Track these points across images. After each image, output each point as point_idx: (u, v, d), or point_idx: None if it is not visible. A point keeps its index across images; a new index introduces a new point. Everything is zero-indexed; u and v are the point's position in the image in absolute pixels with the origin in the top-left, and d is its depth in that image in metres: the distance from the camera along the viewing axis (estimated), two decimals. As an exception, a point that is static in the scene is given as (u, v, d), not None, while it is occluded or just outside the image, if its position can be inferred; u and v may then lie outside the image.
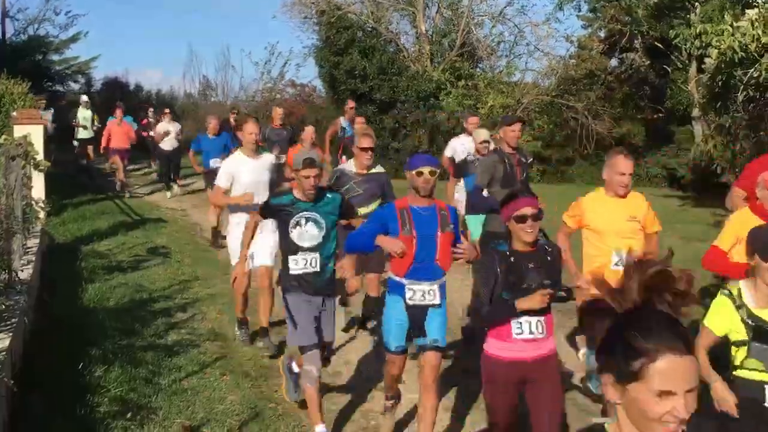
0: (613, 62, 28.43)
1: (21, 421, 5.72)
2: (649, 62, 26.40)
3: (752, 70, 13.32)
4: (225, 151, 13.50)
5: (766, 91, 13.57)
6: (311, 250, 6.35)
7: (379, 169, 8.72)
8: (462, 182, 10.91)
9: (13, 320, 6.51)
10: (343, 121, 16.72)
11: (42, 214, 11.28)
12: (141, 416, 6.10)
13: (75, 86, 34.84)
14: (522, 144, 25.38)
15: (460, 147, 12.32)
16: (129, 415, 6.04)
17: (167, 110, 20.76)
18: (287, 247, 6.40)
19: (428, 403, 5.86)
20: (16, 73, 17.29)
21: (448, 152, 12.63)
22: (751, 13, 13.30)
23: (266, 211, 6.57)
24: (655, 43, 24.95)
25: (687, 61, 23.46)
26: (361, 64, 26.06)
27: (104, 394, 6.45)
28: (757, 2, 13.68)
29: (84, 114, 21.37)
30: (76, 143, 21.45)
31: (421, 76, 26.89)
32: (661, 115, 26.15)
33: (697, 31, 14.00)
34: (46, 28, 33.32)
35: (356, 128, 13.73)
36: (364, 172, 8.44)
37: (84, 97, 22.47)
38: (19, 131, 12.29)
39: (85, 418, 5.93)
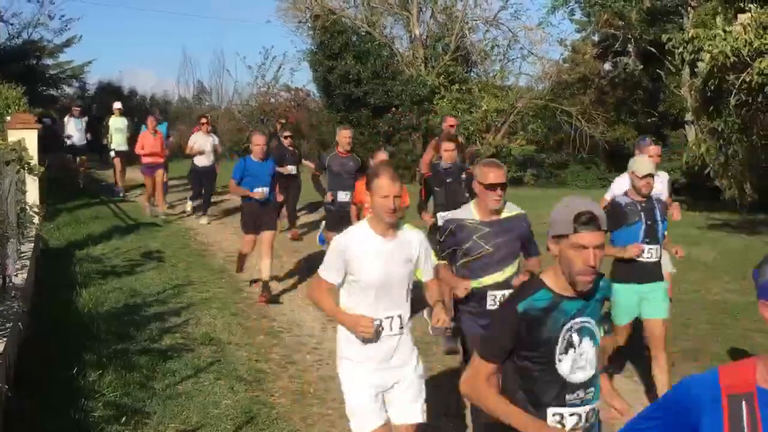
0: (607, 66, 28.57)
1: (15, 425, 5.73)
2: (642, 66, 26.50)
3: (744, 74, 13.39)
4: (272, 177, 11.00)
5: (758, 95, 13.63)
6: (584, 387, 3.58)
7: (512, 209, 5.94)
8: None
9: (8, 325, 6.51)
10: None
11: (36, 219, 11.27)
12: (135, 421, 6.10)
13: (69, 90, 34.86)
14: (516, 148, 25.53)
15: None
16: (123, 419, 6.04)
17: (204, 119, 17.02)
18: (541, 392, 3.54)
19: None
20: (10, 77, 17.31)
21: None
22: (743, 17, 13.37)
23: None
24: (648, 47, 25.04)
25: (680, 66, 23.51)
26: (356, 68, 26.12)
27: (98, 398, 6.45)
28: (750, 7, 13.74)
29: (117, 123, 19.44)
30: (112, 154, 19.50)
31: (415, 81, 26.95)
32: (654, 119, 26.23)
33: (690, 35, 14.07)
34: (40, 33, 33.30)
35: (448, 154, 9.15)
36: (494, 218, 5.82)
37: (117, 104, 20.47)
38: (13, 136, 12.28)
39: (80, 423, 5.93)
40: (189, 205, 17.37)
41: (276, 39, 52.13)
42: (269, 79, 32.75)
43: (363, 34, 27.89)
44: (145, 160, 16.63)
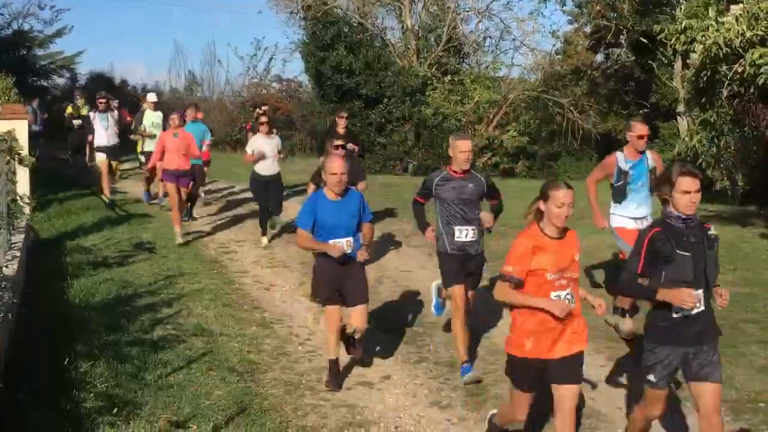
0: (599, 58, 28.59)
1: (7, 416, 5.70)
2: (634, 58, 26.51)
3: (737, 65, 13.37)
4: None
5: (751, 86, 13.61)
6: None
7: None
8: None
9: (-2, 316, 6.49)
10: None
11: (27, 210, 11.23)
12: (127, 412, 6.09)
13: (60, 81, 34.72)
14: (508, 140, 25.45)
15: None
16: (115, 410, 6.03)
17: (263, 115, 15.11)
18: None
19: None
20: (0, 68, 17.19)
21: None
22: (736, 8, 13.35)
23: None
24: (641, 38, 25.04)
25: (672, 57, 23.53)
26: (348, 59, 26.05)
27: (90, 389, 6.44)
28: (742, -2, 13.74)
29: (154, 118, 17.33)
30: (142, 158, 17.64)
31: (408, 72, 26.89)
32: (646, 110, 26.26)
33: (682, 26, 14.04)
34: (31, 23, 33.18)
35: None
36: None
37: (151, 96, 18.35)
38: (2, 126, 12.21)
39: (71, 414, 5.91)
40: (264, 241, 13.40)
41: (267, 30, 52.03)
42: (261, 70, 32.69)
43: (355, 25, 27.80)
44: (167, 166, 13.52)
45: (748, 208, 17.20)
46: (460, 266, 7.82)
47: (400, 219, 15.35)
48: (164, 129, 15.36)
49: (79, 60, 35.01)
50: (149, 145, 16.57)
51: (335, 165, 7.37)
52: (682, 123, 22.75)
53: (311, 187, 11.55)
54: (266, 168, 13.20)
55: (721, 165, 15.35)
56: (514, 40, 28.82)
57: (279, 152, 13.49)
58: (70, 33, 33.96)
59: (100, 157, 17.00)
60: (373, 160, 26.03)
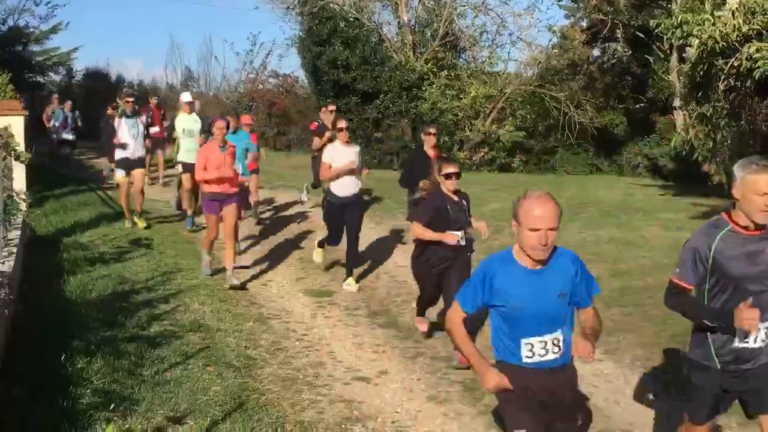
0: (595, 52, 28.54)
1: (4, 412, 5.70)
2: (630, 52, 26.49)
3: (733, 59, 13.38)
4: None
5: (747, 80, 13.62)
6: None
7: None
8: None
9: (-5, 312, 6.48)
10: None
11: (23, 206, 11.21)
12: (124, 407, 6.08)
13: (56, 77, 34.64)
14: (504, 134, 25.51)
15: None
16: (112, 406, 6.02)
17: (340, 120, 12.01)
18: None
19: None
20: (-5, 64, 17.17)
21: None
22: (732, 2, 13.36)
23: None
24: (637, 33, 25.03)
25: (668, 51, 23.55)
26: (344, 54, 26.02)
27: (87, 385, 6.42)
28: (738, -8, 13.73)
29: (188, 123, 14.39)
30: (180, 168, 14.33)
31: (404, 67, 26.88)
32: (642, 104, 26.25)
33: (679, 20, 14.04)
34: (26, 19, 33.07)
35: None
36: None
37: (186, 95, 15.43)
38: (-1, 122, 12.21)
39: (68, 410, 5.90)
40: (351, 282, 10.76)
41: (264, 25, 51.95)
42: (257, 66, 32.65)
43: (351, 20, 27.77)
44: (209, 188, 10.77)
45: (745, 202, 17.21)
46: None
47: (397, 214, 15.35)
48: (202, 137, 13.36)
49: (75, 56, 34.97)
50: (186, 154, 13.96)
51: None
52: (679, 117, 22.73)
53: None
54: (346, 187, 10.55)
55: (718, 159, 15.34)
56: (510, 34, 28.85)
57: (362, 167, 11.05)
58: (65, 29, 33.87)
59: (121, 174, 13.78)
60: (370, 155, 26.04)
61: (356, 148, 11.03)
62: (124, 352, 7.33)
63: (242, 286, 10.42)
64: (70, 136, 22.01)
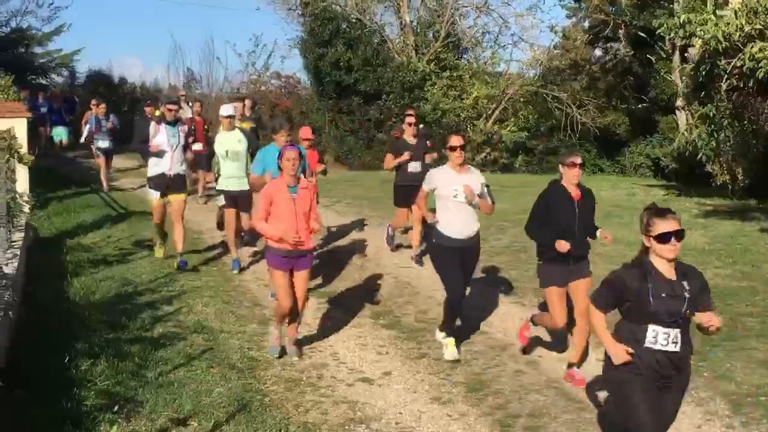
0: (597, 52, 28.55)
1: (8, 414, 5.71)
2: (632, 52, 26.48)
3: (735, 59, 13.38)
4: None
5: (750, 80, 13.62)
6: None
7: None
8: None
9: (-1, 314, 6.49)
10: None
11: (27, 208, 11.22)
12: (127, 409, 6.09)
13: (59, 79, 34.65)
14: (507, 134, 25.50)
15: None
16: (116, 408, 6.03)
17: (459, 148, 8.13)
18: None
19: None
20: (-2, 66, 17.20)
21: None
22: (735, 2, 13.36)
23: None
24: (639, 33, 25.02)
25: (670, 51, 23.54)
26: (346, 55, 26.03)
27: (91, 387, 6.43)
28: (740, -8, 13.73)
29: (231, 143, 11.18)
30: (221, 200, 11.67)
31: (406, 68, 26.89)
32: (644, 104, 26.25)
33: (681, 21, 14.04)
34: (29, 21, 33.11)
35: None
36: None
37: (227, 109, 11.75)
38: (1, 125, 12.22)
39: (72, 412, 5.91)
40: (451, 352, 8.08)
41: (266, 26, 51.94)
42: (259, 67, 32.67)
43: (353, 21, 27.79)
44: (274, 242, 7.95)
45: (748, 202, 17.21)
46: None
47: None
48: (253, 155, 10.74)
49: (77, 58, 34.97)
50: (229, 182, 11.24)
51: None
52: (681, 117, 22.76)
53: None
54: (463, 226, 8.03)
55: (721, 159, 15.34)
56: (512, 35, 28.95)
57: (490, 197, 8.15)
58: (68, 30, 33.94)
59: (155, 196, 11.43)
60: (372, 155, 26.06)
61: (477, 176, 8.21)
62: (127, 353, 7.33)
63: (300, 356, 8.15)
64: (105, 144, 18.74)
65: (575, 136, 26.38)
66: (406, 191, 11.32)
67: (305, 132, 11.16)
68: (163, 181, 11.24)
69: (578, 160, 7.40)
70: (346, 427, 6.50)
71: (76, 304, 9.02)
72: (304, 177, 8.47)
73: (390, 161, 11.82)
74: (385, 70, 26.46)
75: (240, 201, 11.21)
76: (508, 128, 26.73)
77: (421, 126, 12.94)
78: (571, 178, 7.38)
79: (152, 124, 11.34)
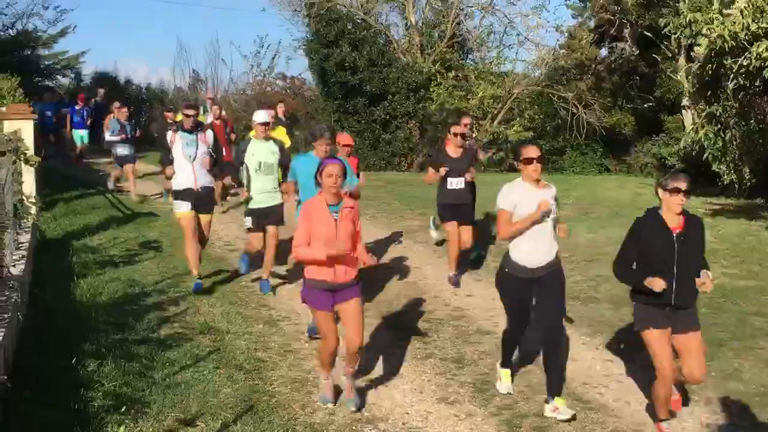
0: (603, 52, 28.48)
1: (15, 416, 5.72)
2: (638, 52, 26.43)
3: (742, 58, 13.34)
4: None
5: (756, 79, 13.59)
6: None
7: None
8: None
9: (6, 316, 6.50)
10: None
11: (33, 210, 11.25)
12: (135, 410, 6.10)
13: (64, 81, 34.72)
14: (512, 135, 25.50)
15: None
16: (123, 409, 6.03)
17: (536, 159, 6.89)
18: None
19: None
20: (4, 68, 17.24)
21: None
22: (741, 1, 13.33)
23: None
24: (645, 32, 24.98)
25: (676, 51, 23.49)
26: (351, 56, 26.02)
27: (98, 388, 6.45)
28: (746, -10, 13.69)
29: (264, 154, 10.06)
30: (248, 222, 10.22)
31: (411, 68, 26.87)
32: (650, 104, 26.20)
33: (687, 20, 14.02)
34: (35, 23, 33.16)
35: None
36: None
37: (261, 115, 10.28)
38: (8, 126, 12.26)
39: (79, 413, 5.92)
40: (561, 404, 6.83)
41: (271, 27, 52.00)
42: (265, 68, 32.69)
43: (358, 21, 27.77)
44: (313, 271, 6.75)
45: (755, 201, 17.19)
46: None
47: (406, 215, 15.35)
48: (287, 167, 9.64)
49: (83, 60, 35.03)
50: (263, 198, 10.16)
51: None
52: (687, 116, 22.70)
53: None
54: (541, 253, 6.82)
55: (727, 158, 15.29)
56: (518, 35, 28.79)
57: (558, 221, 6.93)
58: (73, 33, 33.95)
59: (185, 208, 10.14)
60: (378, 156, 26.06)
61: (552, 191, 6.94)
62: (134, 354, 7.35)
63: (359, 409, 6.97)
64: (126, 151, 17.67)
65: (581, 135, 26.34)
66: (452, 210, 10.60)
67: (345, 138, 9.97)
68: (189, 195, 10.06)
69: (683, 186, 6.21)
70: (353, 428, 6.50)
71: (83, 305, 9.03)
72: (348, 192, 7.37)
73: (428, 175, 10.92)
74: (390, 70, 26.43)
75: (271, 215, 10.18)
76: (514, 128, 26.66)
77: (470, 140, 11.83)
78: (672, 206, 6.21)
79: (169, 133, 10.23)
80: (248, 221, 10.26)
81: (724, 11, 13.39)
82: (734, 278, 10.73)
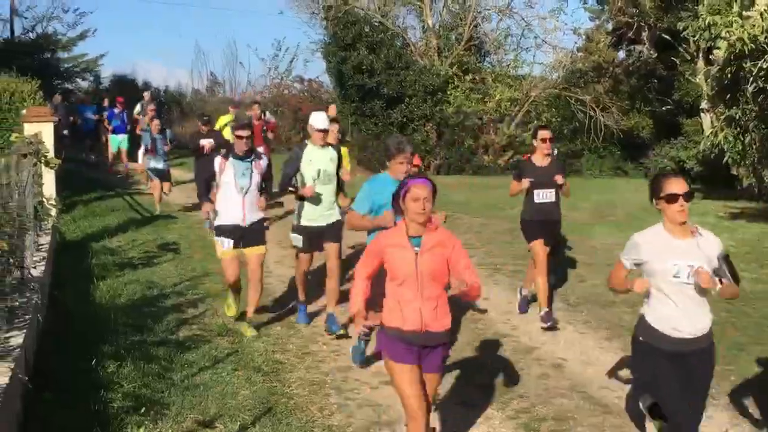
0: (621, 55, 28.43)
1: (35, 417, 5.76)
2: (656, 55, 26.34)
3: (761, 61, 13.28)
4: None
5: (776, 82, 13.53)
6: None
7: None
8: None
9: (27, 317, 6.54)
10: None
11: (53, 212, 11.31)
12: (154, 411, 6.13)
13: (83, 84, 34.98)
14: (530, 138, 25.44)
15: None
16: (142, 410, 6.07)
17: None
18: None
19: None
20: (24, 70, 17.36)
21: None
22: (761, 3, 13.27)
23: None
24: (663, 35, 24.89)
25: (695, 54, 23.39)
26: (369, 59, 26.06)
27: (117, 389, 6.48)
28: (766, -7, 13.63)
29: (322, 162, 8.79)
30: (297, 241, 8.87)
31: (429, 71, 26.88)
32: (669, 107, 26.10)
33: (706, 22, 13.97)
34: (55, 26, 33.46)
35: None
36: None
37: (320, 119, 8.79)
38: (29, 129, 12.35)
39: (99, 414, 5.96)
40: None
41: (288, 30, 52.15)
42: (282, 71, 32.81)
43: (376, 24, 27.81)
44: (392, 318, 5.38)
45: (775, 204, 17.09)
46: None
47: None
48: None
49: (101, 62, 35.30)
50: (317, 214, 8.83)
51: None
52: (706, 120, 22.61)
53: None
54: (688, 320, 5.23)
55: (747, 162, 15.22)
56: (535, 38, 28.83)
57: (729, 274, 5.23)
58: (93, 36, 34.22)
59: (227, 246, 8.60)
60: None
61: (710, 242, 5.26)
62: (153, 356, 7.38)
63: None
64: (160, 165, 15.98)
65: (599, 138, 26.29)
66: (539, 228, 9.30)
67: (415, 160, 8.69)
68: (235, 232, 8.55)
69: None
70: (371, 430, 6.50)
71: (102, 306, 9.08)
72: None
73: (512, 188, 9.56)
74: (407, 73, 26.46)
75: (327, 234, 8.83)
76: (531, 131, 26.67)
77: (556, 150, 10.67)
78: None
79: (217, 159, 8.57)
80: (297, 239, 8.82)
81: (744, 14, 13.32)
82: (753, 282, 10.67)
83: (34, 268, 8.51)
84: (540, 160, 9.34)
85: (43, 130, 12.14)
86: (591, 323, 9.18)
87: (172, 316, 8.87)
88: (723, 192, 18.27)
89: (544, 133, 9.37)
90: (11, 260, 6.23)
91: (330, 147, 8.94)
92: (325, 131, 8.83)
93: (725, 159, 15.09)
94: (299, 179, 8.75)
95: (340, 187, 9.06)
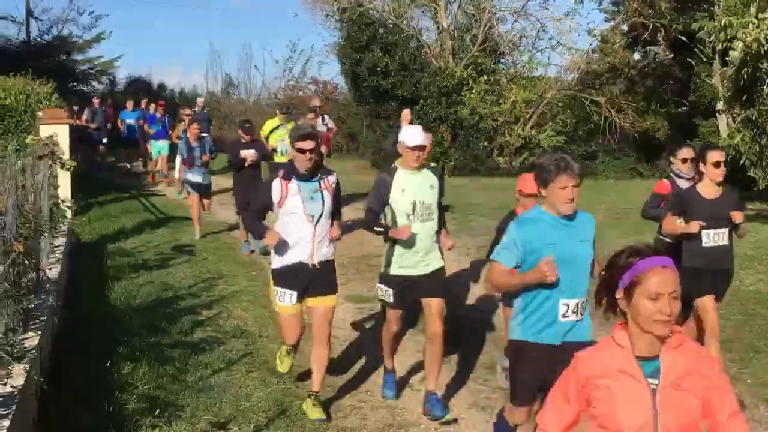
0: (636, 56, 28.35)
1: (50, 418, 5.78)
2: (672, 56, 26.24)
3: (778, 62, 13.23)
4: None
5: (792, 83, 13.47)
6: None
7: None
8: None
9: (42, 319, 6.56)
10: None
11: (68, 213, 11.36)
12: (168, 413, 6.14)
13: (99, 86, 35.12)
14: (545, 139, 25.39)
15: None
16: (157, 412, 6.08)
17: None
18: None
19: None
20: (41, 73, 17.47)
21: None
22: (778, 5, 13.22)
23: None
24: (679, 36, 24.78)
25: (711, 55, 23.28)
26: (383, 60, 26.06)
27: (132, 391, 6.50)
28: (783, -6, 13.57)
29: (425, 178, 6.79)
30: (386, 294, 6.82)
31: (443, 72, 26.86)
32: (684, 108, 25.98)
33: (722, 24, 13.91)
34: (70, 29, 33.62)
35: None
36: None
37: (414, 134, 6.68)
38: (44, 131, 12.41)
39: (114, 415, 5.98)
40: None
41: (303, 32, 52.26)
42: (297, 73, 32.86)
43: (390, 26, 27.81)
44: None
45: (791, 206, 16.97)
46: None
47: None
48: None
49: (117, 64, 35.44)
50: (416, 256, 6.79)
51: None
52: (722, 121, 22.47)
53: None
54: None
55: (763, 163, 15.13)
56: (550, 39, 28.75)
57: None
58: (108, 38, 34.37)
59: (288, 301, 6.72)
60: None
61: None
62: (168, 358, 7.39)
63: None
64: (198, 178, 13.86)
65: (614, 140, 26.21)
66: (711, 279, 7.03)
67: (528, 185, 6.94)
68: (300, 276, 6.60)
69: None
70: (385, 432, 6.49)
71: (117, 308, 9.11)
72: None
73: (668, 225, 7.29)
74: (422, 75, 26.45)
75: (426, 285, 6.79)
76: (546, 132, 26.60)
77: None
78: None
79: (275, 183, 6.53)
80: (387, 293, 6.84)
81: (760, 15, 13.26)
82: (769, 284, 10.60)
83: (50, 269, 8.55)
84: (709, 190, 7.08)
85: (58, 132, 12.19)
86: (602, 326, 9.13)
87: (186, 318, 8.89)
88: (739, 193, 18.15)
89: (715, 155, 7.08)
90: (27, 262, 6.24)
91: (427, 170, 6.90)
92: (422, 148, 6.71)
93: (742, 161, 15.00)
94: (388, 215, 6.80)
95: (442, 222, 7.09)
